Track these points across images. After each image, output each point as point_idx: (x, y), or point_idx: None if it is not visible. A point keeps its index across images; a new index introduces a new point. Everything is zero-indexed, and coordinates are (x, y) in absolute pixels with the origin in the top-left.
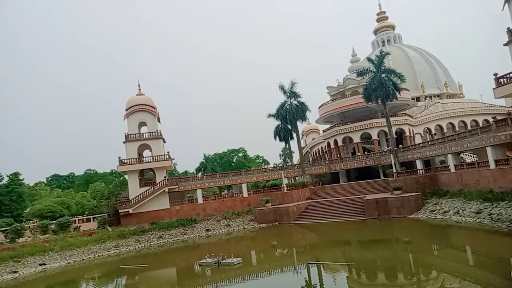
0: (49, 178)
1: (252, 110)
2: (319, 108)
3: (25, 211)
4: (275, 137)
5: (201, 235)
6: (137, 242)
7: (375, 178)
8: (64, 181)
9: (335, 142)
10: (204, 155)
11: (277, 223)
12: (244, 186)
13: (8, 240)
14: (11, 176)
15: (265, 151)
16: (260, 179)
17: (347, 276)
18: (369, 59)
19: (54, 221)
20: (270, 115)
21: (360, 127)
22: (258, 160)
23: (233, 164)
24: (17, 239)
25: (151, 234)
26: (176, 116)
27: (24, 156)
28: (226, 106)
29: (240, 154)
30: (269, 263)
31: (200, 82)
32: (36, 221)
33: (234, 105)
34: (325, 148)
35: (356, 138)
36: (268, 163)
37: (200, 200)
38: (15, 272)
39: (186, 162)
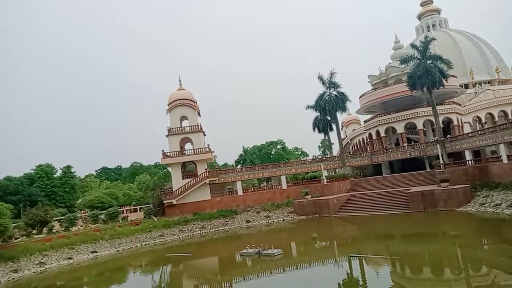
0: (98, 171)
1: (290, 102)
2: (359, 98)
3: (77, 201)
4: (314, 128)
5: (241, 226)
6: (181, 231)
7: (420, 170)
8: (112, 173)
9: (377, 132)
10: (243, 147)
11: (317, 215)
12: (283, 178)
13: (63, 229)
14: (63, 169)
15: (303, 143)
16: (299, 171)
17: (390, 270)
18: (413, 46)
19: (104, 211)
20: (308, 107)
21: (404, 117)
22: (297, 152)
23: (271, 156)
24: (70, 228)
25: (194, 224)
26: (213, 108)
27: (74, 149)
28: (262, 98)
29: (278, 146)
30: (309, 255)
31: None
32: (87, 211)
33: (270, 97)
34: (367, 139)
35: (400, 128)
36: (307, 155)
37: (240, 192)
38: (70, 258)
39: (225, 155)
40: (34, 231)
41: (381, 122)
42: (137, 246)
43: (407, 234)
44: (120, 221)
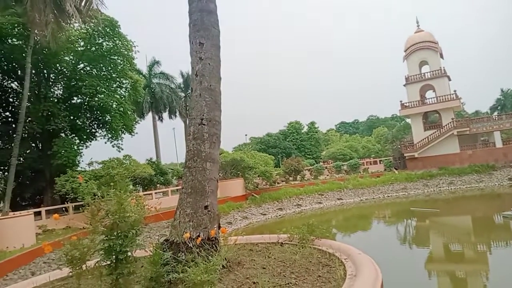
0: (337, 125)
1: None
2: None
3: (321, 153)
4: None
5: (501, 183)
6: (425, 186)
7: None
8: (350, 127)
9: None
10: (501, 90)
11: None
12: None
13: (312, 177)
14: (309, 125)
15: None
16: None
17: None
18: None
19: (346, 163)
20: None
21: None
22: None
23: None
24: (318, 177)
25: (440, 179)
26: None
27: (318, 106)
28: None
29: None
30: None
31: None
32: (331, 162)
33: None
34: None
35: None
36: None
37: (499, 144)
38: (320, 203)
39: (477, 101)
40: (290, 178)
41: None
42: (379, 197)
43: None
44: (361, 172)
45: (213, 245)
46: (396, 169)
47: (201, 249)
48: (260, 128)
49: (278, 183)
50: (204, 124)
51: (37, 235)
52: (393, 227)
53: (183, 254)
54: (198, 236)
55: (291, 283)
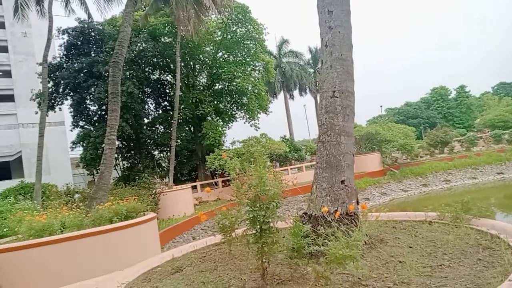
0: (495, 87)
1: None
2: None
3: (475, 122)
4: None
5: None
6: None
7: None
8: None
9: None
10: None
11: None
12: None
13: (463, 149)
14: (457, 89)
15: None
16: None
17: None
18: None
19: (508, 131)
20: None
21: None
22: None
23: None
24: (471, 148)
25: None
26: None
27: (468, 69)
28: None
29: None
30: None
31: None
32: (488, 131)
33: None
34: None
35: None
36: None
37: None
38: (475, 178)
39: None
40: (436, 151)
41: None
42: None
43: None
44: None
45: (353, 221)
46: None
47: (340, 223)
48: (397, 98)
49: (420, 156)
50: (336, 97)
51: (195, 205)
52: None
53: (322, 227)
54: (336, 210)
55: (443, 265)
